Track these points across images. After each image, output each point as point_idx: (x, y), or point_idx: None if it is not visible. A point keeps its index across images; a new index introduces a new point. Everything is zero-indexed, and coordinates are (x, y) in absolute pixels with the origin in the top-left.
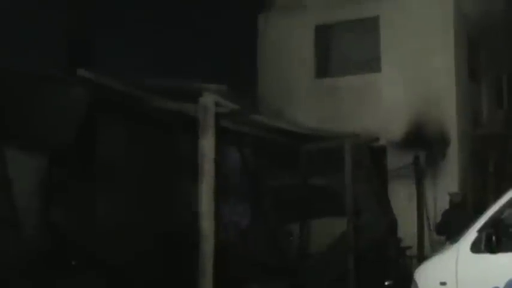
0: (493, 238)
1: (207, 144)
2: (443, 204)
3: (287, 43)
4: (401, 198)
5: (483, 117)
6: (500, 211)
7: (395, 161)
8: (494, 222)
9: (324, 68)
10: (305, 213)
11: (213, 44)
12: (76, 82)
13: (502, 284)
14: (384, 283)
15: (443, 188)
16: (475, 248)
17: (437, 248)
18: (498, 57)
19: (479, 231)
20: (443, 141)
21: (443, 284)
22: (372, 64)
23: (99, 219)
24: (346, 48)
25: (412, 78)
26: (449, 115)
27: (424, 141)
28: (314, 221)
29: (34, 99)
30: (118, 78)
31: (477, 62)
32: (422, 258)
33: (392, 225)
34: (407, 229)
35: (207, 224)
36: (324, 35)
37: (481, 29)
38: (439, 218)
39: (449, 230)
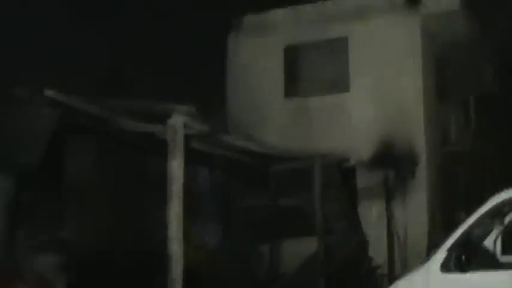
0: (463, 257)
1: (176, 166)
2: (414, 222)
3: (256, 63)
4: (372, 217)
5: (451, 136)
6: (470, 229)
7: (365, 180)
8: (464, 241)
9: (293, 88)
10: (275, 234)
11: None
12: (44, 102)
13: None
14: None
15: (413, 207)
16: (445, 267)
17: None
18: (465, 76)
19: (449, 250)
20: (412, 160)
21: None
22: (341, 84)
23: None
24: (315, 68)
25: (381, 98)
26: (418, 134)
27: (393, 160)
28: (284, 241)
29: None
30: (86, 100)
31: (445, 81)
32: (392, 277)
33: (363, 244)
34: (378, 248)
35: (176, 246)
36: (293, 55)
37: (448, 48)
38: (409, 236)
39: None
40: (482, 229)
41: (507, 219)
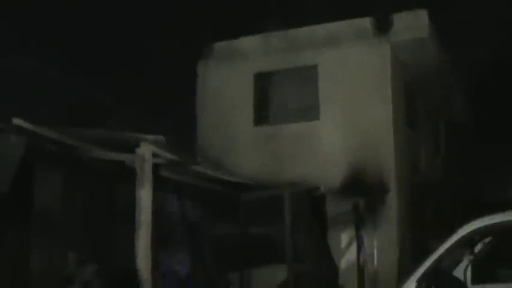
0: (433, 287)
1: (145, 195)
2: (384, 250)
3: (226, 90)
4: (342, 245)
5: (421, 164)
6: (440, 259)
7: (335, 208)
8: (434, 271)
9: (263, 115)
10: (245, 262)
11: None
12: (12, 130)
13: None
14: None
15: (383, 235)
16: None
17: None
18: (435, 104)
19: (419, 280)
20: (382, 188)
21: None
22: (311, 112)
23: (34, 269)
24: (285, 96)
25: (351, 126)
26: (387, 162)
27: (363, 188)
28: (254, 270)
29: None
30: (55, 128)
31: (415, 109)
32: None
33: (333, 272)
34: (348, 276)
35: (145, 275)
36: (263, 82)
37: (418, 77)
38: (379, 265)
39: None
40: (452, 259)
41: (477, 249)
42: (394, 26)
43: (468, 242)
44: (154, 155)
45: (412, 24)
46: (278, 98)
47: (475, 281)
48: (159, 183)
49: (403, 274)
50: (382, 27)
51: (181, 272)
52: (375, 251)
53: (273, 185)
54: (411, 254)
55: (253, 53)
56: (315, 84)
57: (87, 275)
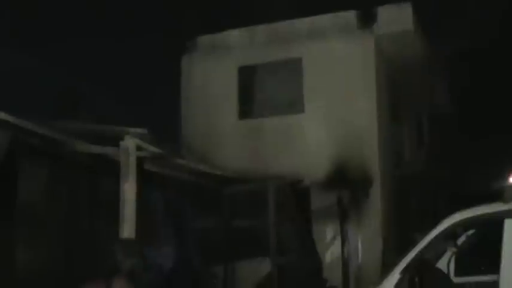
0: (416, 280)
1: (129, 188)
2: (368, 243)
3: (210, 84)
4: (326, 238)
5: (405, 157)
6: (423, 251)
7: (319, 201)
8: (417, 263)
9: (247, 109)
10: (229, 255)
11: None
12: None
13: None
14: None
15: (368, 228)
16: None
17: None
18: (419, 96)
19: (402, 272)
20: (366, 181)
21: None
22: (295, 105)
23: (19, 265)
24: (270, 89)
25: (335, 119)
26: (371, 155)
27: (347, 182)
28: (238, 263)
29: None
30: (39, 121)
31: (399, 102)
32: None
33: (317, 265)
34: (332, 269)
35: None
36: (247, 76)
37: (402, 69)
38: (364, 258)
39: None
40: (436, 251)
41: (460, 241)
42: (378, 19)
43: (451, 234)
44: (139, 148)
45: (396, 17)
46: (262, 91)
47: (458, 273)
48: (143, 177)
49: (387, 266)
50: (366, 20)
51: (166, 265)
52: (359, 244)
53: (257, 178)
54: (395, 246)
55: (237, 46)
56: (300, 78)
57: (131, 265)
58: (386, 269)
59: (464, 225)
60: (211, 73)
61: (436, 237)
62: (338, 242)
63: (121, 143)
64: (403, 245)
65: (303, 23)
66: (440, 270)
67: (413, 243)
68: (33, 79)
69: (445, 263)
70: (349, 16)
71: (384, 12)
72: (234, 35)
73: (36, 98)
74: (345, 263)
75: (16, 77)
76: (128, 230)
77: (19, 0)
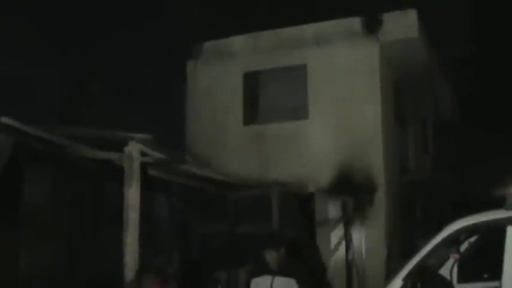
0: (418, 286)
1: (132, 194)
2: (372, 249)
3: (215, 90)
4: (331, 244)
5: (410, 163)
6: (426, 258)
7: (323, 207)
8: (420, 270)
9: (252, 115)
10: (233, 261)
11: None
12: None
13: None
14: None
15: (372, 234)
16: None
17: None
18: (423, 103)
19: (404, 279)
20: (370, 188)
21: None
22: (300, 111)
23: (23, 268)
24: (274, 95)
25: (340, 125)
26: (376, 161)
27: (351, 188)
28: (242, 268)
29: None
30: (43, 127)
31: (404, 108)
32: None
33: (322, 271)
34: (336, 275)
35: (131, 274)
36: (252, 81)
37: (406, 76)
38: (368, 263)
39: None
40: (438, 257)
41: (462, 248)
42: (383, 25)
43: (454, 240)
44: (143, 154)
45: (401, 24)
46: (267, 97)
47: (460, 279)
48: (147, 182)
49: (391, 272)
50: (372, 27)
51: (168, 271)
52: (364, 250)
53: (262, 184)
54: (399, 252)
55: (242, 52)
56: (304, 84)
57: (159, 264)
58: (390, 275)
59: (467, 231)
60: (216, 79)
61: (439, 243)
62: (342, 248)
63: (125, 148)
64: (407, 251)
65: (308, 30)
66: (442, 277)
67: (417, 250)
68: (42, 82)
69: (448, 269)
70: (354, 23)
71: (389, 19)
72: (239, 41)
73: (45, 101)
74: (349, 268)
75: (23, 80)
76: (131, 235)
77: (27, 2)
